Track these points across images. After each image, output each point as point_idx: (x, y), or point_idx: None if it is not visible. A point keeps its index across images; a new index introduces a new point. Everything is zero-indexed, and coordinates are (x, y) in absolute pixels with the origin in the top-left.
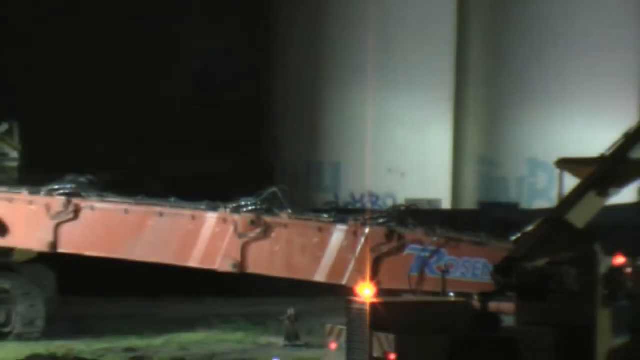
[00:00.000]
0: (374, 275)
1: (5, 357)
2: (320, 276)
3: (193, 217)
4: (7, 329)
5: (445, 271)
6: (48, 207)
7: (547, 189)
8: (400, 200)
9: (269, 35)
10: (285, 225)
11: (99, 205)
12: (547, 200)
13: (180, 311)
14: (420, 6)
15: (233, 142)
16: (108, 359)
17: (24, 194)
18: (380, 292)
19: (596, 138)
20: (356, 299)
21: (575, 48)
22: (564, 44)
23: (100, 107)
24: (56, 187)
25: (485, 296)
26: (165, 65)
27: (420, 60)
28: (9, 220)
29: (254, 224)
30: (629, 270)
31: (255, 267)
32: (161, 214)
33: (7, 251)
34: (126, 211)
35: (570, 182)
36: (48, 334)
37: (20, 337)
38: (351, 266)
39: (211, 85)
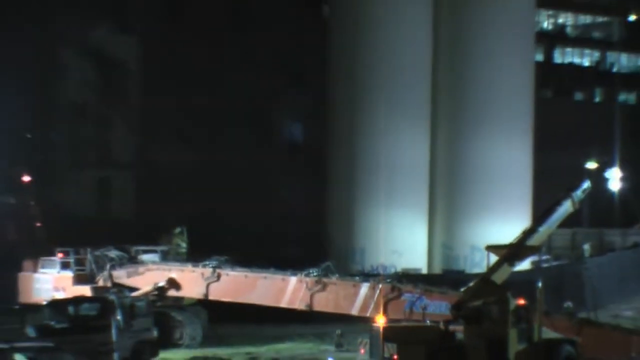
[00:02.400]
0: (384, 311)
1: (178, 358)
2: (354, 311)
3: (283, 279)
4: (180, 342)
5: (424, 308)
6: (202, 274)
7: (480, 262)
8: (398, 269)
9: None
10: (335, 284)
11: (230, 272)
12: (480, 269)
13: (275, 331)
14: None
15: (300, 234)
16: (236, 358)
17: (189, 267)
18: (388, 320)
19: (504, 231)
20: (375, 323)
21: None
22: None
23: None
24: (207, 262)
25: (447, 323)
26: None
27: (398, 176)
28: (181, 281)
29: (317, 283)
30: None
31: (318, 306)
32: (265, 277)
33: (180, 298)
34: (246, 276)
35: (492, 258)
36: (202, 345)
37: (187, 347)
38: (372, 306)
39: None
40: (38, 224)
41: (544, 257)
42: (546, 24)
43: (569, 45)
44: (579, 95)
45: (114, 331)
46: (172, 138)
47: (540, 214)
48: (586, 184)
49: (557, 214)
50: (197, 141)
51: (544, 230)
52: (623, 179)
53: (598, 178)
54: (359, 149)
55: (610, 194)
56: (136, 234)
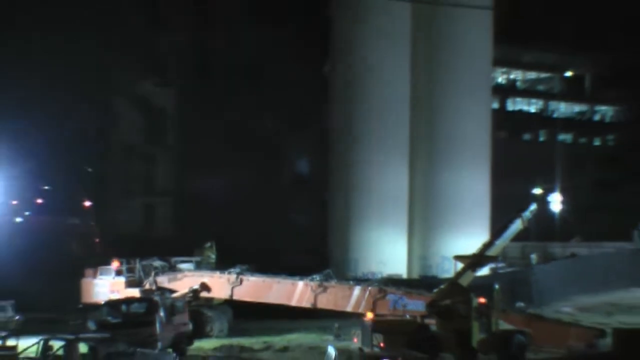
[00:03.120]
0: (373, 308)
1: (209, 346)
2: (349, 308)
3: (292, 284)
4: (210, 333)
5: (404, 306)
6: (228, 279)
7: (449, 269)
8: (384, 275)
9: None
10: (334, 287)
11: (250, 278)
12: (449, 274)
13: (286, 325)
14: None
15: (306, 248)
16: (255, 346)
17: (217, 274)
18: (376, 315)
19: (468, 245)
20: (365, 318)
21: None
22: None
23: None
24: (231, 270)
25: (423, 317)
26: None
27: (384, 201)
28: (211, 285)
29: (319, 286)
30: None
31: (321, 305)
32: (278, 282)
33: (210, 299)
34: (263, 281)
35: (459, 265)
36: (228, 336)
37: (216, 337)
38: (363, 304)
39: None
40: (97, 240)
41: (500, 265)
42: (500, 79)
43: (519, 96)
44: (527, 136)
45: (157, 325)
46: (203, 170)
47: (496, 230)
48: (533, 206)
49: (510, 231)
50: (223, 173)
51: (500, 243)
52: (562, 202)
53: (542, 201)
54: (353, 180)
55: (552, 214)
56: (175, 248)
